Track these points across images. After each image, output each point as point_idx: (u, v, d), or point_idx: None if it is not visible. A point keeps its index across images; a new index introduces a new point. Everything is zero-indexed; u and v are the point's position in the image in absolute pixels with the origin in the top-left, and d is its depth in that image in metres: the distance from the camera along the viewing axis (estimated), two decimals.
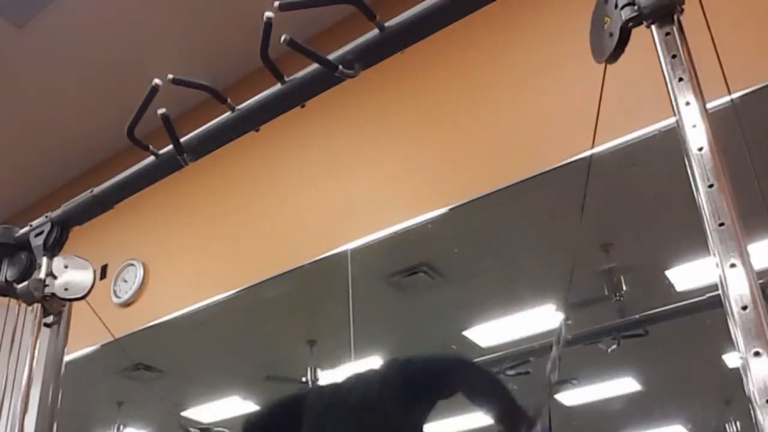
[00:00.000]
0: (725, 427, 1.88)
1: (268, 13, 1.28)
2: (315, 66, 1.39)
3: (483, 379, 1.68)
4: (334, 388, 1.83)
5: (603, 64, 1.12)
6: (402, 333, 2.68)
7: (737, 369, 0.80)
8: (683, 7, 1.04)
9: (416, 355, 1.75)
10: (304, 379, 2.80)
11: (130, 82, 3.37)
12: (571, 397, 2.25)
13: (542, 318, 2.29)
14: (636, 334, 2.08)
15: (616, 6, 1.08)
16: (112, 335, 1.80)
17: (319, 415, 1.77)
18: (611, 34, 1.08)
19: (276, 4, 1.26)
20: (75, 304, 1.77)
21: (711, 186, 0.89)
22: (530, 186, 2.33)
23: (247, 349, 3.14)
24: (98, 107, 3.82)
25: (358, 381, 1.82)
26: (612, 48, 1.08)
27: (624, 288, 2.16)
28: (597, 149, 2.22)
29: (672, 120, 0.98)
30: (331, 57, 1.37)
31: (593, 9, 1.15)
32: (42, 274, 1.70)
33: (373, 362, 2.52)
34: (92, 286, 1.74)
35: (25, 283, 1.69)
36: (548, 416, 1.34)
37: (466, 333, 2.44)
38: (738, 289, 0.83)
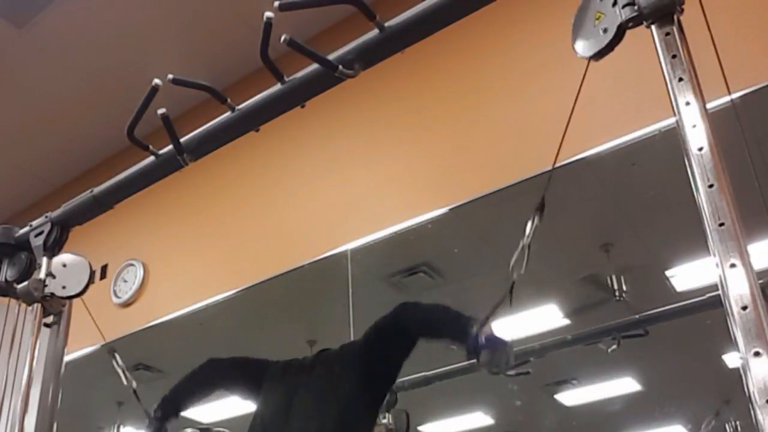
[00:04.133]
0: (725, 427, 1.88)
1: (268, 13, 1.29)
2: (315, 66, 1.39)
3: (428, 312, 1.70)
4: (298, 365, 1.86)
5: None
6: None
7: (737, 369, 0.80)
8: (683, 7, 1.04)
9: (367, 331, 1.77)
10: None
11: (130, 82, 3.37)
12: (571, 397, 2.25)
13: (542, 318, 2.29)
14: (636, 334, 2.08)
15: (614, 4, 1.07)
16: (103, 337, 1.80)
17: (283, 386, 1.81)
18: (605, 31, 1.08)
19: (276, 4, 1.26)
20: (75, 304, 1.77)
21: (711, 186, 0.89)
22: (530, 186, 2.33)
23: (246, 350, 3.14)
24: (98, 107, 3.81)
25: (321, 358, 1.85)
26: (603, 45, 1.08)
27: (624, 288, 2.16)
28: (597, 149, 2.23)
29: (672, 120, 0.98)
30: (331, 57, 1.37)
31: (581, 2, 1.15)
32: (42, 274, 1.70)
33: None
34: (89, 282, 1.73)
35: (25, 283, 1.69)
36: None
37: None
38: (738, 289, 0.82)
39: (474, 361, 1.45)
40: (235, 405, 3.04)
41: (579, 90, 1.15)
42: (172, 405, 1.93)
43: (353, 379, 1.71)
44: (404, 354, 1.72)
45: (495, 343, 1.43)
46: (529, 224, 1.24)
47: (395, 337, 1.70)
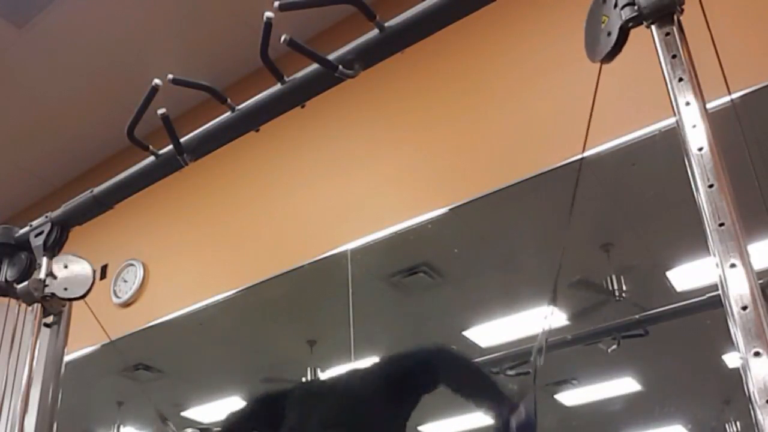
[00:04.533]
0: (725, 427, 1.88)
1: (268, 13, 1.28)
2: (315, 66, 1.39)
3: (464, 370, 1.68)
4: (319, 384, 1.84)
5: (595, 64, 1.12)
6: (402, 333, 2.68)
7: (737, 369, 0.80)
8: (683, 7, 1.04)
9: (396, 354, 1.76)
10: (304, 380, 2.80)
11: (130, 82, 3.37)
12: (571, 397, 2.25)
13: (542, 318, 2.28)
14: (636, 334, 2.08)
15: (615, 6, 1.08)
16: (108, 336, 1.80)
17: (303, 405, 1.80)
18: (609, 34, 1.08)
19: (276, 4, 1.26)
20: (75, 304, 1.77)
21: (711, 186, 0.89)
22: (530, 186, 2.33)
23: (247, 350, 3.14)
24: (98, 107, 3.82)
25: (342, 379, 1.83)
26: (609, 48, 1.08)
27: (624, 288, 2.16)
28: (597, 149, 2.23)
29: (672, 120, 0.98)
30: (331, 57, 1.37)
31: (590, 7, 1.15)
32: (42, 274, 1.70)
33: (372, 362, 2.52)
34: (91, 286, 1.73)
35: (25, 283, 1.69)
36: (533, 401, 1.36)
37: (466, 333, 2.44)
38: (738, 289, 0.82)
39: None
40: (236, 405, 3.04)
41: (595, 92, 1.15)
42: None
43: (367, 412, 1.69)
44: (425, 392, 1.71)
45: (525, 429, 1.41)
46: (544, 323, 1.25)
47: (422, 378, 1.67)
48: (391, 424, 1.68)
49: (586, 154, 2.22)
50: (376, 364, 1.76)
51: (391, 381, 1.69)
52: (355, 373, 1.83)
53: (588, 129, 1.22)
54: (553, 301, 1.27)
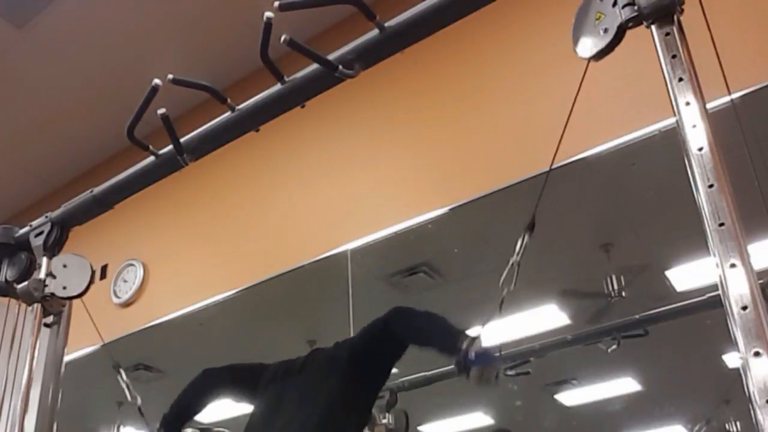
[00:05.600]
0: (725, 427, 1.88)
1: (268, 14, 1.28)
2: (315, 66, 1.39)
3: (418, 317, 1.67)
4: (291, 363, 1.86)
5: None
6: None
7: (737, 369, 0.80)
8: (683, 7, 1.04)
9: (358, 332, 1.77)
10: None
11: (130, 82, 3.36)
12: (571, 397, 2.25)
13: (542, 318, 2.29)
14: (636, 334, 2.08)
15: (614, 4, 1.08)
16: (102, 339, 1.80)
17: (273, 380, 1.81)
18: (605, 31, 1.08)
19: (276, 4, 1.26)
20: (75, 304, 1.77)
21: (711, 186, 0.89)
22: (530, 186, 2.32)
23: (246, 350, 3.14)
24: (98, 107, 3.81)
25: (312, 357, 1.84)
26: (604, 45, 1.08)
27: (624, 288, 2.16)
28: (597, 149, 2.23)
29: (672, 120, 0.98)
30: (331, 57, 1.37)
31: (582, 2, 1.15)
32: (42, 274, 1.70)
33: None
34: (89, 284, 1.73)
35: (25, 283, 1.69)
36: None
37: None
38: (738, 289, 0.83)
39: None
40: (235, 405, 3.04)
41: (578, 91, 1.15)
42: (173, 423, 1.94)
43: (339, 381, 1.69)
44: (393, 358, 1.71)
45: (485, 359, 1.39)
46: (519, 242, 1.23)
47: (384, 341, 1.69)
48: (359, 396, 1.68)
49: (586, 154, 2.23)
50: (343, 351, 1.76)
51: (355, 351, 1.70)
52: (325, 352, 1.84)
53: (562, 134, 1.22)
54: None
